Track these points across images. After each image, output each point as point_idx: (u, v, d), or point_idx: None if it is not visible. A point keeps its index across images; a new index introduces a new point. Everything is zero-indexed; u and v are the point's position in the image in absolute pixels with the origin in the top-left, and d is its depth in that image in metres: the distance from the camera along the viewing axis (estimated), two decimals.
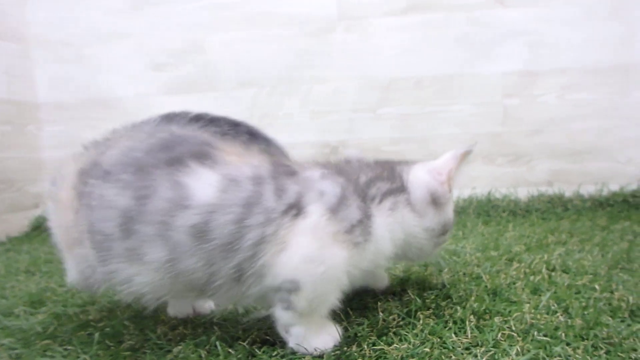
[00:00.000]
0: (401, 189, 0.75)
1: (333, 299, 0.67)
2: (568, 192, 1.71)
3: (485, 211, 1.68)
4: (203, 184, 0.63)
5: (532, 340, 0.65)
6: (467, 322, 0.72)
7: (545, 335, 0.67)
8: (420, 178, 0.77)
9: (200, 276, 0.63)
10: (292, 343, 0.67)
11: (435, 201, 0.76)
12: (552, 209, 1.65)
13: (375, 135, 1.83)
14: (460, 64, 1.79)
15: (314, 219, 0.63)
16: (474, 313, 0.76)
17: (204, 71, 1.91)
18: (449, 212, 0.79)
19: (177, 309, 0.87)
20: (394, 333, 0.71)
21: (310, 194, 0.65)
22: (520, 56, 1.76)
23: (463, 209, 1.70)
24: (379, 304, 0.82)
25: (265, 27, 1.86)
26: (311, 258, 0.62)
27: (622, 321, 0.71)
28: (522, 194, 1.75)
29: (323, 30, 1.84)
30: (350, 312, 0.79)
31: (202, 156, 0.66)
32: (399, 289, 0.91)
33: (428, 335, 0.69)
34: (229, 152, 0.68)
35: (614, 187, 1.69)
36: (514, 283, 0.91)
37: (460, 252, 1.17)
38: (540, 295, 0.83)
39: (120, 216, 0.64)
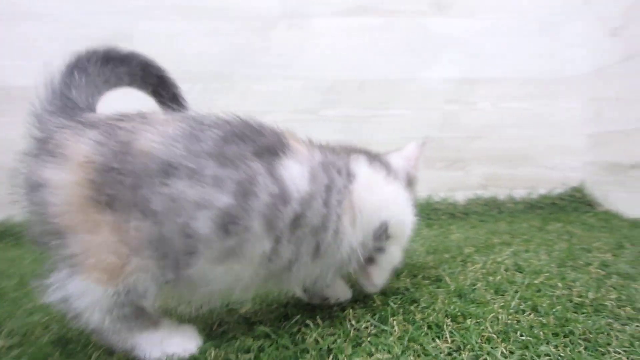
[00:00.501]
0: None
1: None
2: (501, 196, 1.79)
3: (426, 214, 1.71)
4: (297, 176, 0.65)
5: (513, 341, 0.65)
6: (444, 327, 0.70)
7: (522, 335, 0.66)
8: (399, 164, 0.88)
9: (286, 262, 0.66)
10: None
11: (410, 182, 0.89)
12: (488, 212, 1.72)
13: (317, 137, 1.80)
14: (403, 69, 1.81)
15: (364, 174, 0.75)
16: (447, 316, 0.75)
17: None
18: (415, 191, 0.93)
19: None
20: (370, 342, 0.67)
21: (351, 163, 0.76)
22: (459, 64, 1.82)
23: None
24: (346, 312, 0.79)
25: (201, 19, 1.77)
26: (384, 198, 0.76)
27: (589, 317, 0.73)
28: (460, 197, 1.80)
29: (264, 27, 1.79)
30: (320, 323, 0.75)
31: (283, 146, 0.66)
32: (361, 296, 0.88)
33: (408, 343, 0.67)
34: (289, 137, 0.70)
35: (542, 190, 1.80)
36: (475, 284, 0.91)
37: (413, 255, 1.17)
38: (503, 295, 0.84)
39: (219, 215, 0.59)
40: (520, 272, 0.99)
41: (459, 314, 0.75)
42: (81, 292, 0.57)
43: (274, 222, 0.62)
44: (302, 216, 0.65)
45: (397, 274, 1.02)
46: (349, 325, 0.73)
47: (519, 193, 1.80)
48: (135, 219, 0.56)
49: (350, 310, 0.79)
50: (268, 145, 0.65)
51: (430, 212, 1.71)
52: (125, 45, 1.70)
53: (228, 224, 0.59)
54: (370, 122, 1.81)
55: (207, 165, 0.59)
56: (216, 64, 1.78)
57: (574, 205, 1.69)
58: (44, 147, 0.58)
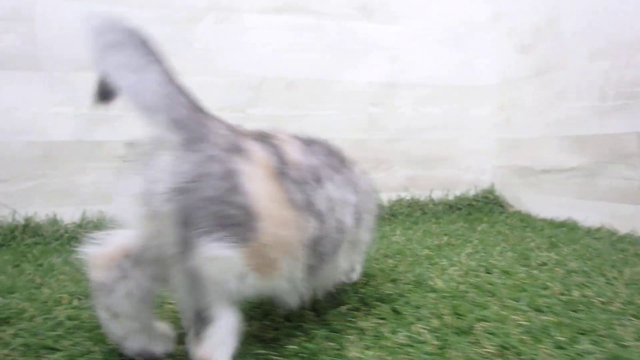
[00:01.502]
0: None
1: None
2: (421, 197, 1.90)
3: None
4: (364, 179, 0.87)
5: (546, 341, 0.69)
6: (474, 331, 0.72)
7: (549, 335, 0.71)
8: None
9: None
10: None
11: None
12: (412, 213, 1.81)
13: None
14: (330, 69, 1.82)
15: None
16: (468, 320, 0.77)
17: (29, 45, 1.51)
18: None
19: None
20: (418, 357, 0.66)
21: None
22: (383, 68, 1.88)
23: None
24: (342, 322, 0.77)
25: (116, 5, 1.58)
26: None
27: (603, 314, 0.80)
28: (384, 198, 1.87)
29: (189, 19, 1.66)
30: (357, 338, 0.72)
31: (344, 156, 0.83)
32: (358, 303, 0.87)
33: (450, 351, 0.67)
34: None
35: (457, 192, 1.95)
36: (458, 287, 0.95)
37: (372, 259, 1.18)
38: (494, 296, 0.89)
39: (354, 211, 0.75)
40: (490, 273, 1.06)
41: (478, 317, 0.78)
42: (241, 274, 0.57)
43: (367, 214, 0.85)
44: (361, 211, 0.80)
45: (368, 278, 1.02)
46: (385, 343, 0.71)
47: (437, 194, 1.93)
48: (311, 219, 0.64)
49: (365, 324, 0.77)
50: (342, 156, 0.81)
51: None
52: (25, 27, 1.46)
53: (357, 218, 0.76)
54: (297, 122, 1.79)
55: (331, 172, 0.72)
56: None
57: (489, 206, 1.87)
58: (225, 147, 0.58)
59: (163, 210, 0.54)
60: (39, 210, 1.53)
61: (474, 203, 1.88)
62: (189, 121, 0.58)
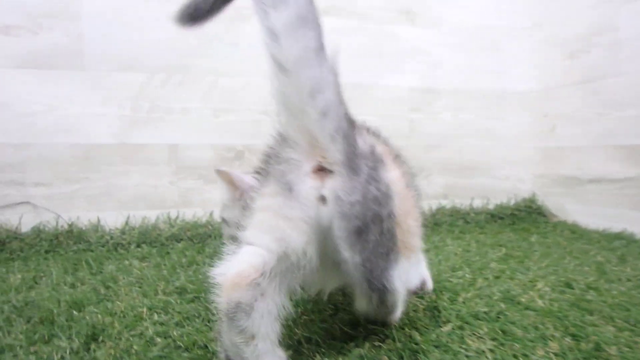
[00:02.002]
0: None
1: None
2: (460, 205, 1.87)
3: None
4: None
5: None
6: (605, 355, 0.69)
7: None
8: None
9: None
10: None
11: None
12: (455, 222, 1.78)
13: None
14: (370, 73, 1.79)
15: None
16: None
17: (74, 43, 1.46)
18: None
19: None
20: None
21: None
22: (424, 73, 1.86)
23: None
24: (454, 343, 0.74)
25: (159, 1, 1.53)
26: None
27: None
28: (424, 206, 1.84)
29: (235, 17, 1.62)
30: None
31: None
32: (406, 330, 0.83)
33: None
34: None
35: (495, 201, 1.92)
36: (552, 304, 0.92)
37: (442, 272, 1.15)
38: (598, 315, 0.86)
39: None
40: (573, 288, 1.03)
41: (599, 340, 0.75)
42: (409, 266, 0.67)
43: None
44: None
45: (451, 293, 0.99)
46: None
47: (476, 203, 1.90)
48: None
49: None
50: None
51: None
52: (71, 24, 1.41)
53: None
54: None
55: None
56: (180, 53, 1.56)
57: (532, 216, 1.85)
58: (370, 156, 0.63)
59: (333, 229, 0.58)
60: (81, 215, 1.49)
61: (516, 212, 1.86)
62: (349, 135, 0.59)
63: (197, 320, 0.85)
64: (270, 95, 1.54)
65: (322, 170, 0.59)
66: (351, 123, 0.61)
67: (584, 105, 1.74)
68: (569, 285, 1.04)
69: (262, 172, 0.68)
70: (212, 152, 1.61)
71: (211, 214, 1.58)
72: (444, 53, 1.88)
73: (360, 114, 1.75)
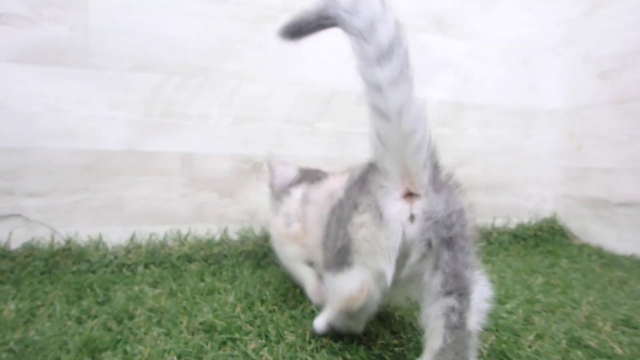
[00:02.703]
0: None
1: None
2: (482, 225, 1.81)
3: None
4: None
5: None
6: None
7: None
8: None
9: None
10: None
11: None
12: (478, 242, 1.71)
13: (308, 153, 1.59)
14: None
15: None
16: None
17: (80, 38, 1.33)
18: None
19: None
20: None
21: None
22: (453, 87, 1.80)
23: None
24: None
25: None
26: None
27: None
28: None
29: (262, 18, 1.51)
30: None
31: None
32: None
33: None
34: None
35: (515, 220, 1.87)
36: (624, 349, 0.86)
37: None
38: None
39: None
40: (634, 328, 0.97)
41: None
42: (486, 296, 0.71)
43: None
44: None
45: (505, 332, 0.92)
46: None
47: (497, 222, 1.84)
48: None
49: None
50: None
51: None
52: (77, 16, 1.29)
53: None
54: (366, 139, 1.66)
55: None
56: (199, 54, 1.45)
57: (556, 237, 1.79)
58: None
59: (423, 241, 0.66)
60: (81, 230, 1.34)
61: (538, 233, 1.81)
62: (436, 163, 0.71)
63: None
64: (293, 104, 1.46)
65: (409, 195, 0.68)
66: (436, 154, 0.70)
67: (614, 126, 1.70)
68: (627, 324, 0.98)
69: (353, 199, 0.74)
70: (230, 163, 1.50)
71: (225, 231, 1.47)
72: (475, 66, 1.82)
73: None
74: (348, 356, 0.81)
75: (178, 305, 1.01)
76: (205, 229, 1.46)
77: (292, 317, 0.97)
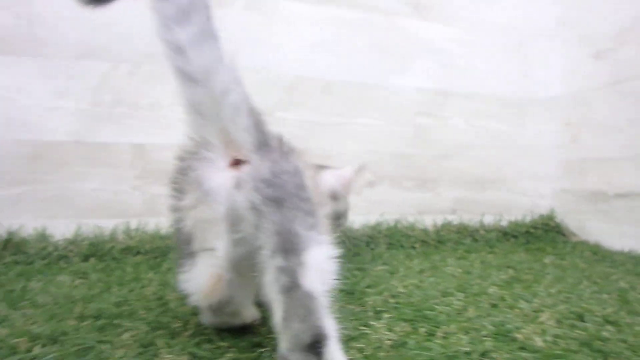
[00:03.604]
0: None
1: None
2: (470, 221, 1.68)
3: (397, 240, 1.53)
4: None
5: None
6: None
7: None
8: (326, 179, 1.11)
9: None
10: None
11: (334, 196, 1.12)
12: (462, 240, 1.59)
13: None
14: (374, 72, 1.64)
15: None
16: None
17: (25, 25, 1.34)
18: (341, 206, 1.15)
19: None
20: None
21: None
22: (434, 74, 1.70)
23: (372, 238, 1.52)
24: None
25: None
26: None
27: None
28: (428, 221, 1.65)
29: (216, 3, 1.47)
30: None
31: None
32: None
33: None
34: None
35: (509, 217, 1.73)
36: (557, 342, 0.73)
37: (428, 297, 0.97)
38: (607, 358, 0.68)
39: None
40: (586, 322, 0.84)
41: None
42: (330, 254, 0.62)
43: None
44: None
45: (432, 324, 0.82)
46: None
47: (488, 219, 1.71)
48: None
49: None
50: None
51: (402, 239, 1.54)
52: (22, 3, 1.29)
53: None
54: (333, 130, 1.59)
55: None
56: (150, 41, 1.41)
57: (550, 235, 1.64)
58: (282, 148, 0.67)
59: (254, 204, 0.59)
60: (27, 223, 1.32)
61: (531, 230, 1.66)
62: (260, 124, 0.65)
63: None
64: (252, 92, 1.41)
65: (237, 164, 0.64)
66: (259, 115, 0.65)
67: (611, 110, 1.55)
68: (581, 318, 0.86)
69: (178, 185, 0.70)
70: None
71: None
72: (458, 52, 1.71)
73: (361, 117, 1.61)
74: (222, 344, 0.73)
75: (87, 294, 0.96)
76: (158, 222, 1.42)
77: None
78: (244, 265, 0.62)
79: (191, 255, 0.66)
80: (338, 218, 1.15)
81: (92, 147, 1.39)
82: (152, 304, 0.89)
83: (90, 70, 1.38)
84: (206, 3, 0.60)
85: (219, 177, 0.63)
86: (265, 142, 0.63)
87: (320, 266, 0.59)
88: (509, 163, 1.77)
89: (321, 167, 1.21)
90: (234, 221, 0.61)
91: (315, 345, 0.53)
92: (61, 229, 1.34)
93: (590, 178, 1.62)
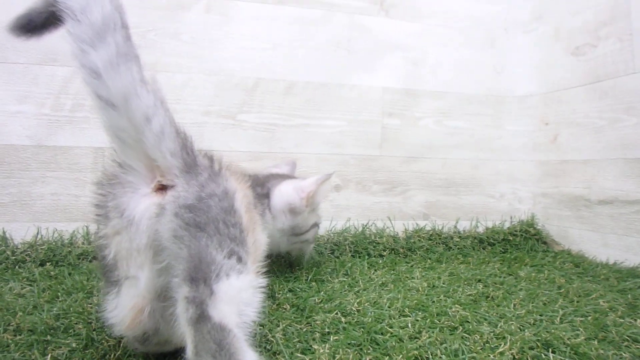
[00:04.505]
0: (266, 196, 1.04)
1: None
2: (443, 227, 1.53)
3: (363, 249, 1.38)
4: None
5: None
6: None
7: None
8: (285, 192, 1.04)
9: None
10: None
11: (292, 210, 1.04)
12: (434, 247, 1.44)
13: (232, 147, 1.39)
14: (338, 72, 1.49)
15: None
16: None
17: None
18: (302, 221, 1.05)
19: None
20: None
21: None
22: (401, 72, 1.55)
23: (338, 245, 1.38)
24: None
25: None
26: None
27: None
28: (399, 227, 1.51)
29: (175, 5, 1.36)
30: None
31: None
32: None
33: None
34: None
35: (485, 223, 1.58)
36: None
37: (379, 315, 0.84)
38: None
39: None
40: (554, 352, 0.70)
41: None
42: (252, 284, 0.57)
43: None
44: None
45: (376, 348, 0.68)
46: None
47: (463, 225, 1.56)
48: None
49: None
50: None
51: (368, 246, 1.39)
52: None
53: None
54: (296, 132, 1.45)
55: None
56: None
57: (529, 243, 1.48)
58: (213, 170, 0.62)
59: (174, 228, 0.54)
60: None
61: (510, 238, 1.50)
62: (187, 146, 0.59)
63: None
64: (213, 95, 1.32)
65: (163, 189, 0.58)
66: (187, 137, 0.60)
67: (590, 109, 1.39)
68: (547, 347, 0.72)
69: (102, 210, 0.62)
70: None
71: None
72: (426, 49, 1.56)
73: (325, 118, 1.47)
74: None
75: (27, 302, 0.87)
76: None
77: None
78: (169, 293, 0.57)
79: (115, 283, 0.59)
80: (298, 234, 1.06)
81: (52, 151, 1.30)
82: (92, 316, 0.81)
83: (52, 75, 1.30)
84: (123, 22, 0.55)
85: (141, 204, 0.57)
86: (193, 164, 0.58)
87: (237, 297, 0.53)
88: (484, 165, 1.61)
89: (282, 177, 1.11)
90: (156, 251, 0.56)
91: None
92: (21, 233, 1.26)
93: (571, 181, 1.46)
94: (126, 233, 0.57)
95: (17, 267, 1.15)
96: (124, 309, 0.58)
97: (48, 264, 1.18)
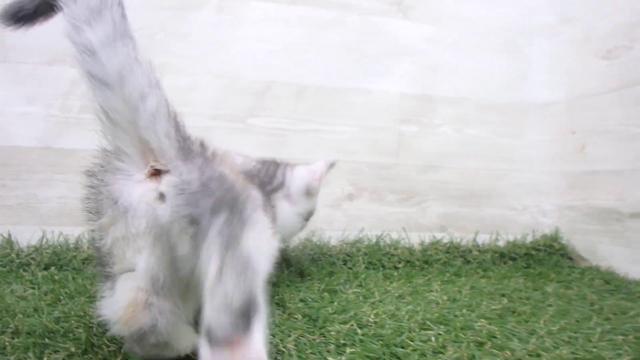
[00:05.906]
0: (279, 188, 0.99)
1: None
2: (461, 240, 1.41)
3: (377, 260, 1.27)
4: None
5: None
6: None
7: None
8: (301, 175, 1.02)
9: None
10: None
11: (309, 192, 1.02)
12: (452, 261, 1.32)
13: (242, 153, 1.31)
14: (352, 76, 1.41)
15: None
16: None
17: None
18: (314, 203, 1.04)
19: None
20: None
21: None
22: (419, 77, 1.45)
23: (350, 256, 1.27)
24: None
25: None
26: None
27: None
28: (414, 239, 1.39)
29: (184, 6, 1.30)
30: None
31: None
32: None
33: None
34: None
35: (506, 236, 1.45)
36: None
37: (400, 329, 0.74)
38: None
39: None
40: None
41: None
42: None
43: None
44: None
45: None
46: None
47: (482, 238, 1.44)
48: None
49: None
50: None
51: (383, 258, 1.28)
52: None
53: None
54: (307, 138, 1.37)
55: None
56: None
57: (553, 258, 1.35)
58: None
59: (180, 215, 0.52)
60: None
61: (532, 253, 1.37)
62: (180, 129, 0.57)
63: None
64: (222, 98, 1.25)
65: (157, 174, 0.56)
66: (179, 119, 0.57)
67: (623, 116, 1.27)
68: None
69: (92, 203, 0.62)
70: None
71: None
72: (446, 54, 1.47)
73: (337, 124, 1.38)
74: None
75: (28, 305, 0.83)
76: None
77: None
78: (167, 287, 0.56)
79: (111, 278, 0.58)
80: (308, 218, 1.04)
81: (59, 153, 1.25)
82: (93, 320, 0.75)
83: (60, 77, 1.25)
84: (119, 2, 0.53)
85: (137, 190, 0.55)
86: (188, 149, 0.57)
87: (263, 236, 0.57)
88: (506, 175, 1.49)
89: (277, 164, 1.08)
90: (156, 235, 0.54)
91: (246, 311, 0.45)
92: (26, 236, 1.20)
93: (600, 194, 1.33)
94: (122, 220, 0.55)
95: (21, 270, 1.10)
96: (119, 301, 0.55)
97: (52, 267, 1.12)
